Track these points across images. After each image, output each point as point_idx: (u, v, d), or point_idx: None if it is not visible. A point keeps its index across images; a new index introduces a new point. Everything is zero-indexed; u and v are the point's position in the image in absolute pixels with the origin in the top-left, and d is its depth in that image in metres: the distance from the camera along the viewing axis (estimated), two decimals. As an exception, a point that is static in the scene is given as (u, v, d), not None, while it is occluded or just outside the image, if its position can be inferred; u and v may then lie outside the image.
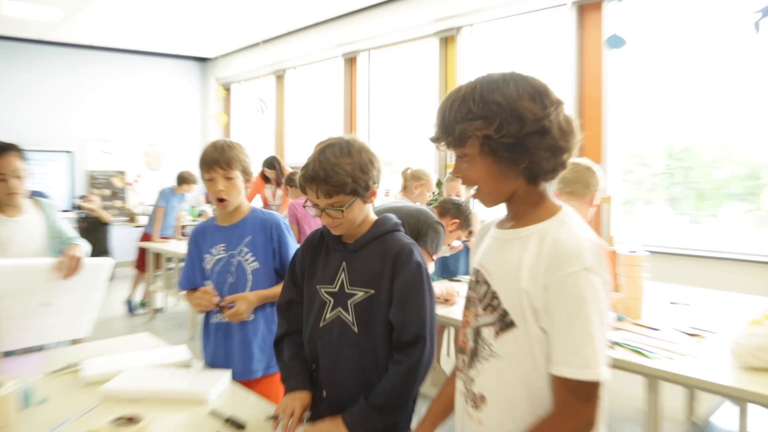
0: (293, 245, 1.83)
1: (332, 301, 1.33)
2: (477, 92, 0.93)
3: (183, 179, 5.34)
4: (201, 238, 1.83)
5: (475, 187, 0.99)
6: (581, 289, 0.87)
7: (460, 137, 0.94)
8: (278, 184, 5.34)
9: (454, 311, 2.29)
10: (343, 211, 1.28)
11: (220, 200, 1.73)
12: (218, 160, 1.69)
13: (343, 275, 1.33)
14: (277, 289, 1.77)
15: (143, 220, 6.82)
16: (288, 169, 5.35)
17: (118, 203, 7.73)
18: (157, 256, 5.17)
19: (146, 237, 5.34)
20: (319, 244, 1.42)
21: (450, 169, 5.24)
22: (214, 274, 1.78)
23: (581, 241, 0.91)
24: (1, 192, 2.01)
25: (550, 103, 0.92)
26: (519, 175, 0.95)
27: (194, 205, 7.42)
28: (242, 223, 1.79)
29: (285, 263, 1.78)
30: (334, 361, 1.32)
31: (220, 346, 1.78)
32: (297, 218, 3.99)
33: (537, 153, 0.92)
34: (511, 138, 0.91)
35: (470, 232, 2.64)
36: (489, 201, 1.00)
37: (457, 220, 2.54)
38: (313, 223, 4.01)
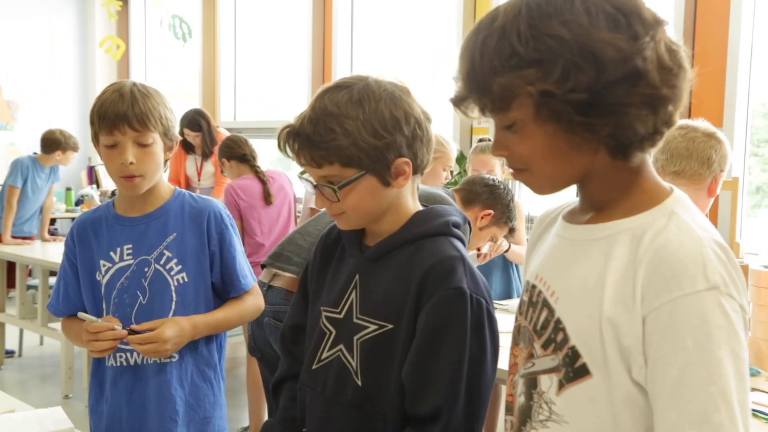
0: (240, 249, 1.86)
1: (334, 333, 1.36)
2: (523, 21, 0.92)
3: (52, 143, 5.28)
4: (91, 235, 1.84)
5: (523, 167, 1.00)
6: (706, 318, 0.87)
7: (503, 97, 0.94)
8: (206, 155, 5.35)
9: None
10: (335, 191, 1.28)
11: (129, 177, 1.74)
12: (128, 115, 1.69)
13: (353, 296, 1.35)
14: (221, 315, 1.80)
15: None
16: (223, 132, 5.35)
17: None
18: (11, 267, 5.15)
19: (-10, 236, 5.34)
20: (334, 244, 1.45)
21: (479, 136, 5.18)
22: (114, 290, 1.79)
23: (704, 243, 0.91)
24: None
25: (643, 28, 0.91)
26: (598, 146, 0.96)
27: (70, 187, 7.39)
28: (162, 212, 1.81)
29: (229, 275, 1.81)
30: (323, 427, 1.35)
31: (122, 404, 1.78)
32: (239, 209, 4.01)
33: (627, 111, 0.92)
34: (584, 92, 0.90)
35: (511, 230, 2.68)
36: (547, 187, 1.02)
37: (490, 211, 2.58)
38: (265, 217, 4.04)
